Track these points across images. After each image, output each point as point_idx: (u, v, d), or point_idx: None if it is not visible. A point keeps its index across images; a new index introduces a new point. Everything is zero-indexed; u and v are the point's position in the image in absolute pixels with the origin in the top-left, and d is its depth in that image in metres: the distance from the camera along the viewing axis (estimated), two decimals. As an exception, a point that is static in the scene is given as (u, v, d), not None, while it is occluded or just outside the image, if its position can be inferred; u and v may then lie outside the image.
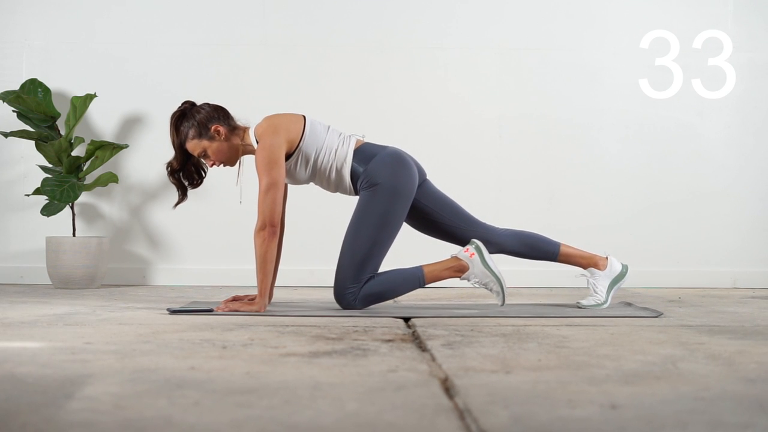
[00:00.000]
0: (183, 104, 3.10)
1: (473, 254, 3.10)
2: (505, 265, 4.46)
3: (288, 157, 3.05)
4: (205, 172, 3.17)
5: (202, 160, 3.10)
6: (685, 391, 1.63)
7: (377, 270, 3.08)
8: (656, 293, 4.10)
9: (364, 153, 3.10)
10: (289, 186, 3.28)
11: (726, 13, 4.67)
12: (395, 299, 3.44)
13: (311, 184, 3.23)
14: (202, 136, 3.02)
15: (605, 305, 3.18)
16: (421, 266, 3.12)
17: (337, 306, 3.13)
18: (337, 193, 3.23)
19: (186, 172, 3.11)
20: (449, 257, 3.15)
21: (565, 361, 1.97)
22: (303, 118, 3.08)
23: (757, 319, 2.93)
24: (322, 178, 3.12)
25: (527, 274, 4.43)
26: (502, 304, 3.14)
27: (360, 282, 3.03)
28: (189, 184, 3.13)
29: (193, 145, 3.04)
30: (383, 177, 3.04)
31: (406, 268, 3.13)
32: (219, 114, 3.06)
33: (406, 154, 3.16)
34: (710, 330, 2.59)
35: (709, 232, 4.66)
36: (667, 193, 4.66)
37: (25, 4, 4.56)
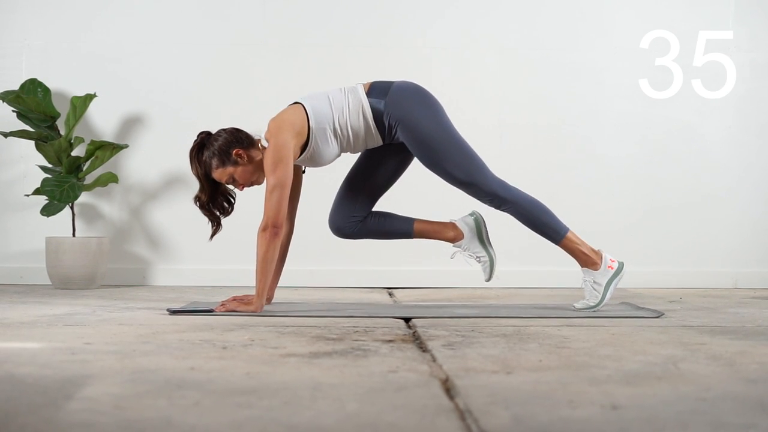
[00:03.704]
0: (199, 135, 3.06)
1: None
2: (506, 265, 4.48)
3: (306, 145, 3.04)
4: (234, 199, 3.14)
5: (231, 186, 3.08)
6: (687, 392, 1.63)
7: (487, 167, 3.14)
8: (657, 293, 4.09)
9: (377, 89, 3.09)
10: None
11: (727, 13, 4.66)
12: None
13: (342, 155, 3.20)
14: (226, 164, 3.00)
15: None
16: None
17: (336, 307, 3.14)
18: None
19: (216, 203, 3.09)
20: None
21: (566, 361, 1.97)
22: (302, 106, 3.07)
23: (759, 320, 2.93)
24: (347, 139, 3.08)
25: (527, 274, 4.43)
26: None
27: (496, 183, 3.12)
28: (221, 214, 3.11)
29: (220, 174, 3.01)
30: (409, 104, 3.06)
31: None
32: (236, 137, 3.03)
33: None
34: (711, 330, 2.59)
35: (709, 233, 4.66)
36: (668, 193, 4.65)
37: (25, 4, 4.56)
